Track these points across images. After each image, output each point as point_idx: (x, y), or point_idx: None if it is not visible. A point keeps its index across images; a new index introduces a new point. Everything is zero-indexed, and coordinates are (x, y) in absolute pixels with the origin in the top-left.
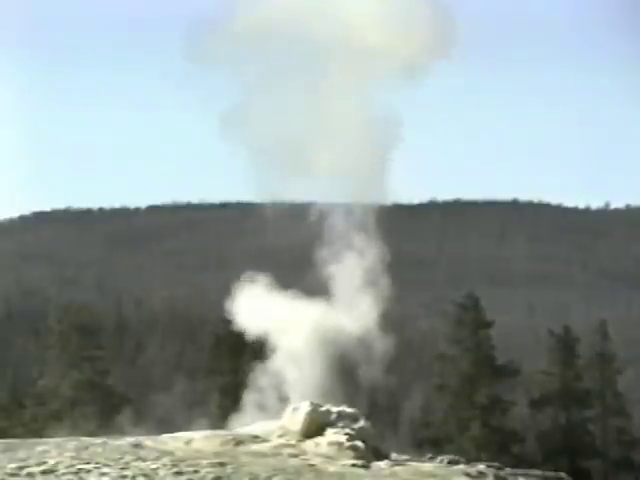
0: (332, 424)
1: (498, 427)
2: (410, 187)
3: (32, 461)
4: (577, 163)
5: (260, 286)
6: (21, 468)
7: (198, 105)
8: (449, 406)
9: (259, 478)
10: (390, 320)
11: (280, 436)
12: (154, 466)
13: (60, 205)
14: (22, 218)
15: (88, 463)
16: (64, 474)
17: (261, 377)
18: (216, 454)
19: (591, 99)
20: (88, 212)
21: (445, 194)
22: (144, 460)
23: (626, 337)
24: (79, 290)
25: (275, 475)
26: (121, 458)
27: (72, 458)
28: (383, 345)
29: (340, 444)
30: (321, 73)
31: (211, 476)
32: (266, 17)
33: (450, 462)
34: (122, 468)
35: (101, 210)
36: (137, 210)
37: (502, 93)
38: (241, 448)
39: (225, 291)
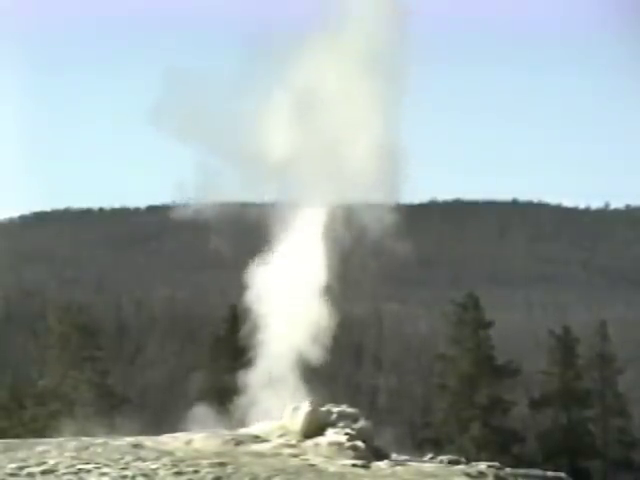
0: (332, 424)
1: (498, 427)
2: (410, 187)
3: (32, 461)
4: (577, 163)
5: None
6: (21, 468)
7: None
8: (449, 406)
9: (259, 478)
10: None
11: (280, 436)
12: (154, 466)
13: (60, 205)
14: (22, 218)
15: (88, 463)
16: (64, 474)
17: (259, 377)
18: (216, 454)
19: (591, 99)
20: (88, 212)
21: (445, 194)
22: (144, 460)
23: (626, 337)
24: (79, 290)
25: (275, 475)
26: (121, 458)
27: (72, 458)
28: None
29: (340, 444)
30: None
31: (211, 476)
32: None
33: (450, 462)
34: (122, 468)
35: (101, 210)
36: (137, 210)
37: (502, 93)
38: (241, 448)
39: (225, 291)
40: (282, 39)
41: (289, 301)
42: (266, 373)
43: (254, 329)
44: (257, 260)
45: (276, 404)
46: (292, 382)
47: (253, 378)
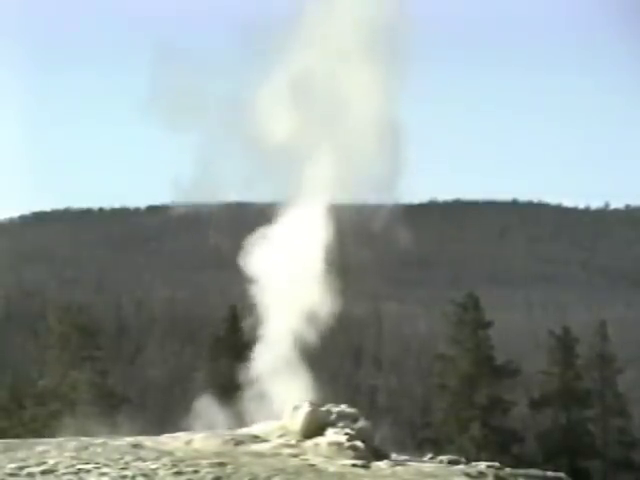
0: (332, 424)
1: (498, 427)
2: (410, 187)
3: (32, 461)
4: (577, 163)
5: None
6: (21, 468)
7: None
8: (449, 406)
9: (259, 478)
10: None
11: (280, 436)
12: (154, 466)
13: (60, 205)
14: (22, 218)
15: (88, 463)
16: (64, 474)
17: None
18: (216, 454)
19: (591, 99)
20: (88, 212)
21: (445, 194)
22: (144, 460)
23: (626, 337)
24: (79, 290)
25: (275, 475)
26: (121, 458)
27: (72, 458)
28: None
29: (340, 444)
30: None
31: (211, 476)
32: None
33: (450, 462)
34: (122, 468)
35: (101, 210)
36: (137, 210)
37: (502, 93)
38: (241, 448)
39: (225, 291)
40: (279, 22)
41: (288, 289)
42: (268, 363)
43: (256, 317)
44: (256, 251)
45: (279, 392)
46: (294, 370)
47: (255, 369)
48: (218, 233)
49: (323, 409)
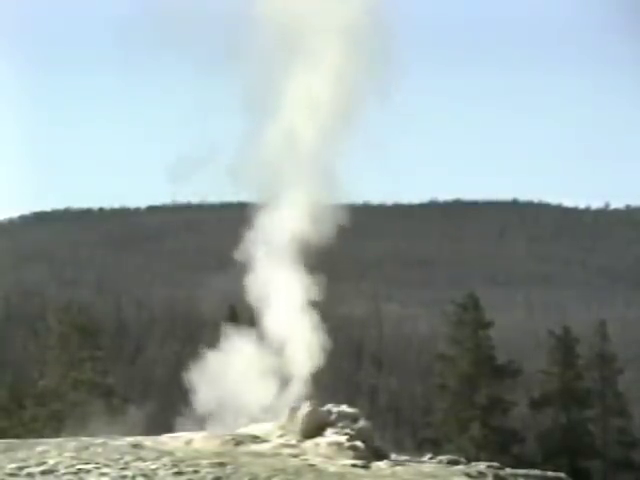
0: (332, 424)
1: (498, 427)
2: (410, 187)
3: (32, 461)
4: (577, 163)
5: None
6: (21, 468)
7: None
8: (449, 406)
9: (259, 478)
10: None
11: (280, 436)
12: (154, 466)
13: (60, 205)
14: (22, 218)
15: (88, 463)
16: (64, 474)
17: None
18: (216, 454)
19: (591, 99)
20: (88, 212)
21: (445, 194)
22: (144, 460)
23: (626, 337)
24: (79, 290)
25: (275, 475)
26: (121, 458)
27: (72, 458)
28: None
29: (340, 444)
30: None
31: (211, 476)
32: None
33: (450, 462)
34: (122, 468)
35: (101, 210)
36: (137, 210)
37: (502, 93)
38: (241, 448)
39: (225, 291)
40: None
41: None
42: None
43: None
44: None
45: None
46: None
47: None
48: (218, 233)
49: (323, 409)
